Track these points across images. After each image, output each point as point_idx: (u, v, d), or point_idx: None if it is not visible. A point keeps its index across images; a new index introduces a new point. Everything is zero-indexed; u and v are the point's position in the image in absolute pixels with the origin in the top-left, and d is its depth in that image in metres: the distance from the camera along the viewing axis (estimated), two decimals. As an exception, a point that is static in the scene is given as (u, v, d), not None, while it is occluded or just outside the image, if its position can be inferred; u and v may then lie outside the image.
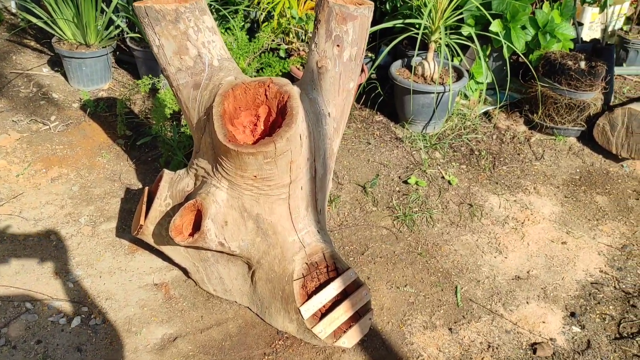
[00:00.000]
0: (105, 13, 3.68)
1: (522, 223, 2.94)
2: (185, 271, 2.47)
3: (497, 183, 3.21)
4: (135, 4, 2.01)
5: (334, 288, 2.19)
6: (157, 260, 2.54)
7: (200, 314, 2.32)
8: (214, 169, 2.05)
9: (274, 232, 2.12)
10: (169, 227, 2.00)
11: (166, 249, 2.33)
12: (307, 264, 2.19)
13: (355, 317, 2.22)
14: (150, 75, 3.24)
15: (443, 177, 3.22)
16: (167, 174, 2.25)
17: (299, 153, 2.02)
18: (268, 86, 2.00)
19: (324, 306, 2.19)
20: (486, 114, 3.77)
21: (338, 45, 2.10)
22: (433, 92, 3.31)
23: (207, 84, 2.06)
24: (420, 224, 2.89)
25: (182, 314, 2.31)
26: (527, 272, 2.66)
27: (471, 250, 2.75)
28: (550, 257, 2.74)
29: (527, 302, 2.50)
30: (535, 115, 3.58)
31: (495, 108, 3.75)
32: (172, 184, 2.22)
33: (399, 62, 3.60)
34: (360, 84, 3.37)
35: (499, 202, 3.07)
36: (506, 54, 3.55)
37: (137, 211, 2.40)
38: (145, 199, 2.34)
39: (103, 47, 3.68)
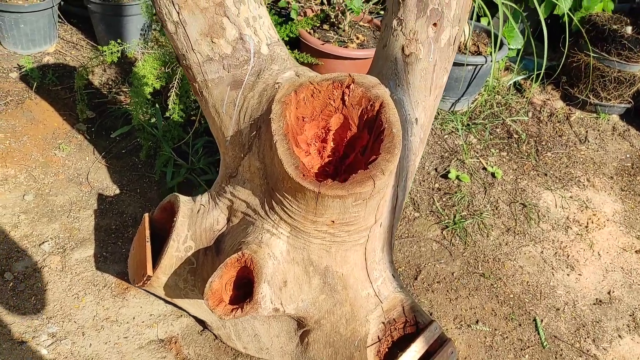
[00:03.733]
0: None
1: (586, 227, 2.49)
2: (201, 321, 1.85)
3: (545, 174, 2.73)
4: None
5: (416, 351, 1.65)
6: (157, 303, 1.91)
7: (228, 383, 1.73)
8: (267, 207, 1.41)
9: (344, 286, 1.54)
10: (205, 292, 1.37)
11: (182, 303, 1.70)
12: (383, 323, 1.63)
13: (439, 383, 1.70)
14: (118, 40, 2.47)
15: (485, 169, 2.70)
16: (183, 203, 1.58)
17: (391, 185, 1.42)
18: (347, 87, 1.36)
19: (401, 373, 1.66)
20: (515, 85, 3.24)
21: (435, 24, 1.48)
22: (472, 64, 2.73)
23: (253, 82, 1.39)
24: (473, 232, 2.38)
25: (204, 385, 1.71)
26: (608, 293, 2.22)
27: (539, 267, 2.28)
28: (627, 272, 2.31)
29: (620, 336, 2.07)
30: (576, 89, 3.09)
31: (528, 78, 3.23)
32: (193, 219, 1.56)
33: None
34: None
35: (554, 200, 2.60)
36: (543, 15, 3.00)
37: (135, 251, 1.74)
38: (147, 232, 1.67)
39: (46, -2, 2.82)
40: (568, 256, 2.34)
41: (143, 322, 1.85)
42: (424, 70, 1.51)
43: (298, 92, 1.35)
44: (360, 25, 2.76)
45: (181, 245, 1.56)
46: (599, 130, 3.05)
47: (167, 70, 2.35)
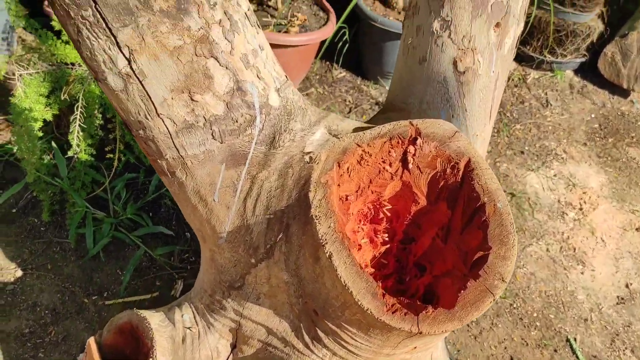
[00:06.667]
0: None
1: (581, 209, 2.23)
2: None
3: (522, 152, 2.43)
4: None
5: None
6: None
7: None
8: (307, 338, 0.93)
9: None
10: None
11: None
12: None
13: None
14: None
15: (460, 156, 2.34)
16: (158, 331, 1.04)
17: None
18: (412, 142, 0.89)
19: None
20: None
21: (497, 25, 1.03)
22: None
23: (265, 155, 0.88)
24: (472, 240, 2.03)
25: None
26: (626, 286, 1.99)
27: (550, 270, 1.99)
28: (636, 256, 2.09)
29: (656, 339, 1.84)
30: (529, 47, 2.79)
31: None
32: (179, 355, 1.03)
33: (359, -10, 2.49)
34: (325, 41, 2.22)
35: (540, 183, 2.31)
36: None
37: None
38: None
39: None
40: (575, 249, 2.07)
41: None
42: (484, 89, 1.06)
43: (342, 162, 0.85)
44: (294, 0, 2.22)
45: (167, 396, 1.03)
46: (557, 91, 2.79)
47: (59, 95, 1.70)
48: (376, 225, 0.96)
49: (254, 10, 2.17)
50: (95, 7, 0.72)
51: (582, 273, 2.00)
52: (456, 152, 0.88)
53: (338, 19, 2.26)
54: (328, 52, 2.52)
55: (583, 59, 2.82)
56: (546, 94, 2.76)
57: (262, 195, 0.88)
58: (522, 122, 2.58)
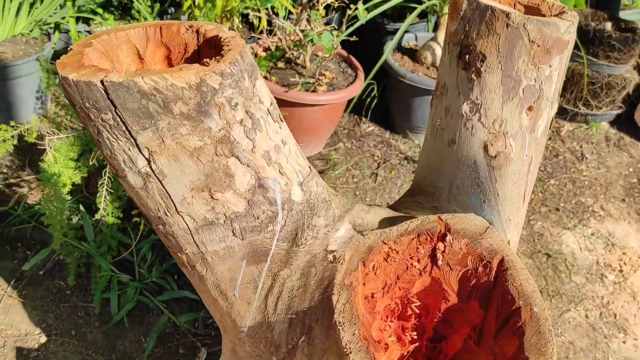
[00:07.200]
0: None
1: (621, 271, 2.13)
2: None
3: (557, 210, 2.35)
4: (65, 60, 0.74)
5: None
6: None
7: None
8: None
9: None
10: None
11: None
12: None
13: None
14: (12, 124, 1.79)
15: (492, 214, 2.27)
16: None
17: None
18: (441, 239, 0.84)
19: None
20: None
21: (530, 108, 0.99)
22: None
23: (287, 252, 0.84)
24: (506, 306, 1.95)
25: None
26: (672, 357, 1.87)
27: (590, 338, 1.89)
28: (682, 323, 1.98)
29: None
30: (563, 99, 2.73)
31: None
32: None
33: (388, 46, 2.48)
34: (353, 98, 2.21)
35: (577, 242, 2.22)
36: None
37: None
38: None
39: None
40: (615, 316, 1.97)
41: None
42: (516, 173, 1.02)
43: (367, 261, 0.82)
44: (322, 57, 2.22)
45: None
46: (592, 143, 2.72)
47: (88, 160, 1.71)
48: (404, 322, 0.91)
49: (282, 68, 2.18)
50: (115, 111, 0.71)
51: (624, 342, 1.90)
52: (488, 249, 0.84)
53: (367, 74, 2.26)
54: (356, 106, 2.51)
55: (619, 111, 2.74)
56: (581, 147, 2.69)
57: (283, 294, 0.84)
58: (556, 177, 2.50)
